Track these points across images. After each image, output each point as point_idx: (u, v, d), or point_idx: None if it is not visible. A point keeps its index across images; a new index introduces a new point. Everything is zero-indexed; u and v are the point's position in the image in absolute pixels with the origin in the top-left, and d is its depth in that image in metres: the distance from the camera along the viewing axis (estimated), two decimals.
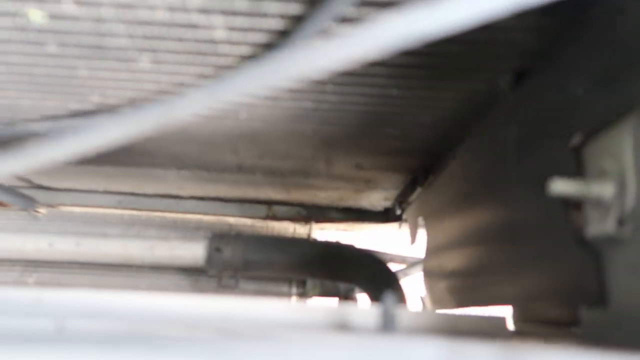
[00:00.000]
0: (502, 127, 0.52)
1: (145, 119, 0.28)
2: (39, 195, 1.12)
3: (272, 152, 0.76)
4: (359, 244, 0.96)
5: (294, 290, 0.95)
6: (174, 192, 1.11)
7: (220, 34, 0.46)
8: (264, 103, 0.59)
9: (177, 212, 1.13)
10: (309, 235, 1.07)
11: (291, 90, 0.56)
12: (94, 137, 0.29)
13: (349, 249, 0.92)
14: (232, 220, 1.11)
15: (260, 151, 0.76)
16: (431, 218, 0.81)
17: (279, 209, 1.17)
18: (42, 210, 1.07)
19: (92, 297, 0.38)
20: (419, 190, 0.90)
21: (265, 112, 0.61)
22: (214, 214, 1.13)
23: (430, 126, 0.63)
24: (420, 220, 0.88)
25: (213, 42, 0.48)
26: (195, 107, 0.27)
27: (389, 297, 0.32)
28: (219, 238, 0.85)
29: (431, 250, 0.80)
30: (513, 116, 0.49)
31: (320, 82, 0.53)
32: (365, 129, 0.65)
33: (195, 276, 0.94)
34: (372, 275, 0.85)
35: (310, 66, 0.25)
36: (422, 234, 0.87)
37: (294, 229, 1.08)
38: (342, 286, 0.97)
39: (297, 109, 0.60)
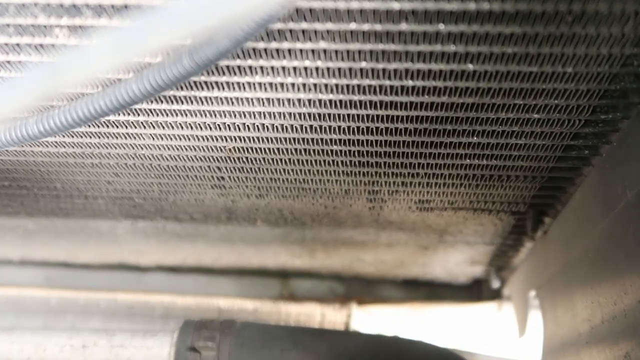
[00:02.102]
0: None
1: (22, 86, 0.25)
2: None
3: (278, 183, 0.74)
4: (432, 339, 0.91)
5: None
6: (129, 259, 1.11)
7: None
8: (256, 95, 0.57)
9: (136, 291, 1.14)
10: (347, 325, 1.06)
11: (297, 71, 0.53)
12: None
13: (415, 348, 0.87)
14: (223, 302, 1.10)
15: (260, 182, 0.75)
16: (551, 292, 0.78)
17: (300, 285, 1.17)
18: None
19: None
20: (527, 244, 0.88)
21: (260, 111, 0.59)
22: (194, 294, 1.13)
23: (539, 129, 0.59)
24: (533, 296, 0.85)
25: None
26: (98, 63, 0.24)
27: None
28: (194, 329, 0.80)
29: (554, 347, 0.77)
30: None
31: (348, 53, 0.51)
32: (427, 137, 0.62)
33: None
34: None
35: None
36: (536, 318, 0.86)
37: (323, 315, 1.07)
38: None
39: (311, 104, 0.58)
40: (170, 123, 0.62)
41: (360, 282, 1.15)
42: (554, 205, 0.75)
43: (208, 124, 0.62)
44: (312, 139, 0.64)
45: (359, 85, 0.54)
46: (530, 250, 0.88)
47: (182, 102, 0.59)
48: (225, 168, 0.72)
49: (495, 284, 1.04)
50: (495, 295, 1.08)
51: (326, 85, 0.55)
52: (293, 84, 0.55)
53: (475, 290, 1.13)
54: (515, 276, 0.98)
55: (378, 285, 1.15)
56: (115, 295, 1.12)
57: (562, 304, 0.73)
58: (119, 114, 0.61)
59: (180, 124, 0.62)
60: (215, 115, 0.60)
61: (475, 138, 0.62)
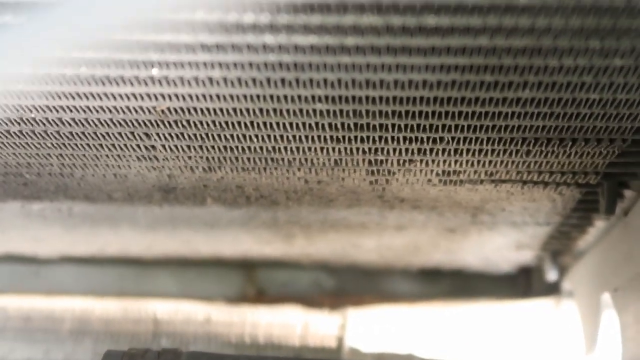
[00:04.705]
0: None
1: None
2: None
3: (236, 152, 0.75)
4: (462, 353, 0.96)
5: None
6: (21, 249, 1.13)
7: None
8: (198, 39, 0.55)
9: (33, 292, 1.14)
10: (340, 339, 1.07)
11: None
12: None
13: None
14: (160, 308, 1.11)
15: (209, 152, 0.75)
16: (638, 297, 0.79)
17: (272, 277, 1.20)
18: None
19: None
20: (598, 224, 0.90)
21: (204, 61, 0.58)
22: (119, 295, 1.14)
23: (622, 79, 0.59)
24: (608, 300, 0.87)
25: None
26: None
27: None
28: None
29: None
30: None
31: None
32: (457, 93, 0.61)
33: None
34: None
35: None
36: (612, 332, 0.87)
37: (306, 325, 1.09)
38: None
39: (282, 51, 0.56)
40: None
41: (357, 273, 1.17)
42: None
43: (128, 79, 0.61)
44: (285, 96, 0.63)
45: (354, 27, 0.53)
46: (603, 233, 0.89)
47: None
48: (157, 134, 0.72)
49: (552, 275, 1.06)
50: (551, 289, 1.10)
51: (305, 27, 0.53)
52: (254, 26, 0.53)
53: (522, 283, 1.15)
54: (581, 266, 0.99)
55: (383, 278, 1.17)
56: (4, 299, 1.12)
57: None
58: None
59: (85, 79, 0.61)
60: (139, 67, 0.59)
61: (527, 92, 0.61)
